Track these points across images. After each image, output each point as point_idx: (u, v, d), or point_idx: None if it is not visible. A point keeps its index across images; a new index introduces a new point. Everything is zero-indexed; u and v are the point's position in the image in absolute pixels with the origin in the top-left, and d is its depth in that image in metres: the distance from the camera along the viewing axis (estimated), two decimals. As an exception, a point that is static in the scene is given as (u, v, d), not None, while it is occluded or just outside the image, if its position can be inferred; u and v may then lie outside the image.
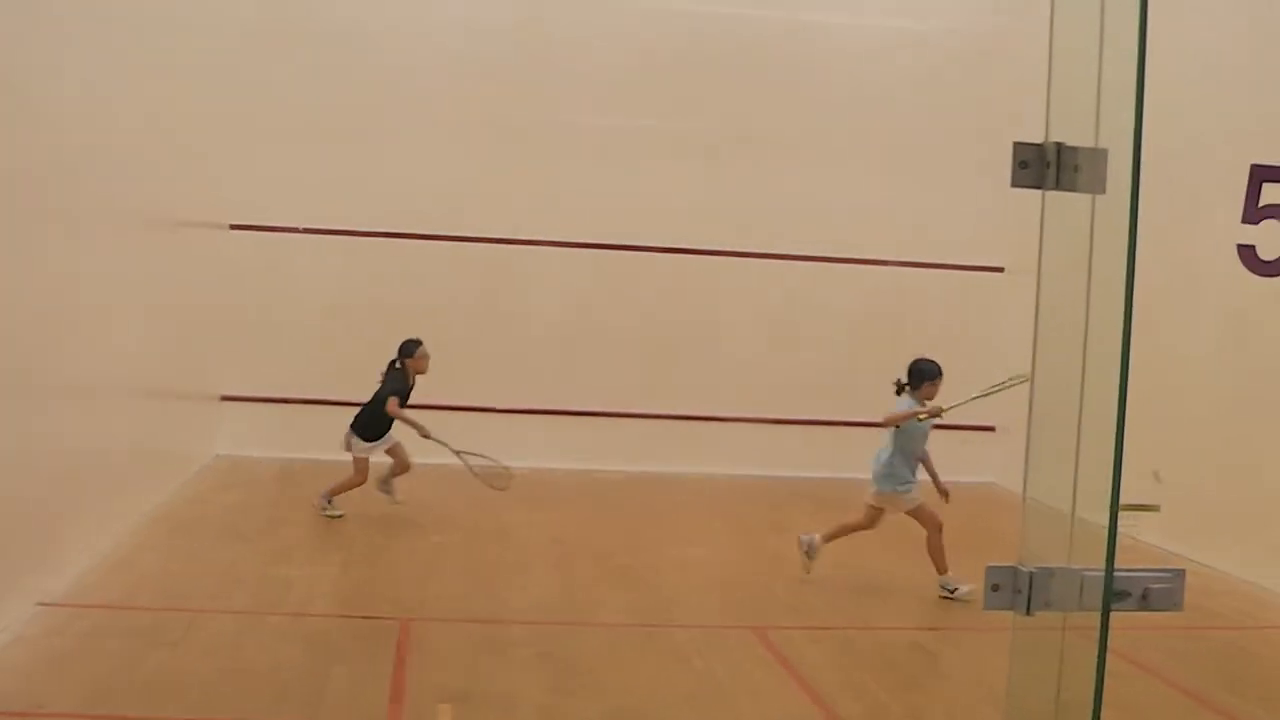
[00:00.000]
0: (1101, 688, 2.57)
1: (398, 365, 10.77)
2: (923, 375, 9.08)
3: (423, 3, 13.62)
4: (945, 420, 9.14)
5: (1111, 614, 2.62)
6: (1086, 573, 2.60)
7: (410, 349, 10.79)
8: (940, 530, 8.93)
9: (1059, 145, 2.62)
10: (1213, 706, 7.00)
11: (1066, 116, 2.64)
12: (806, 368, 13.83)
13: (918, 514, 9.00)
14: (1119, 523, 2.58)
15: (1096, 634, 2.60)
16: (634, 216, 13.56)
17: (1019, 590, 2.63)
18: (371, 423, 10.70)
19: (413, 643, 7.35)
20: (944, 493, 9.08)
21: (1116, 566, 2.61)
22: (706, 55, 13.65)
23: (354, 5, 13.57)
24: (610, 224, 13.54)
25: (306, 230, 13.22)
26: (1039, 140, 2.65)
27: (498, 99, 13.33)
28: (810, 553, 9.14)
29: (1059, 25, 2.63)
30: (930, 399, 9.07)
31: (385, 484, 10.92)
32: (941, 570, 8.88)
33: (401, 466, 10.86)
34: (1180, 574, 2.65)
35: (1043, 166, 2.64)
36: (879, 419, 9.23)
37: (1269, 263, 6.69)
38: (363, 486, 10.75)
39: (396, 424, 10.67)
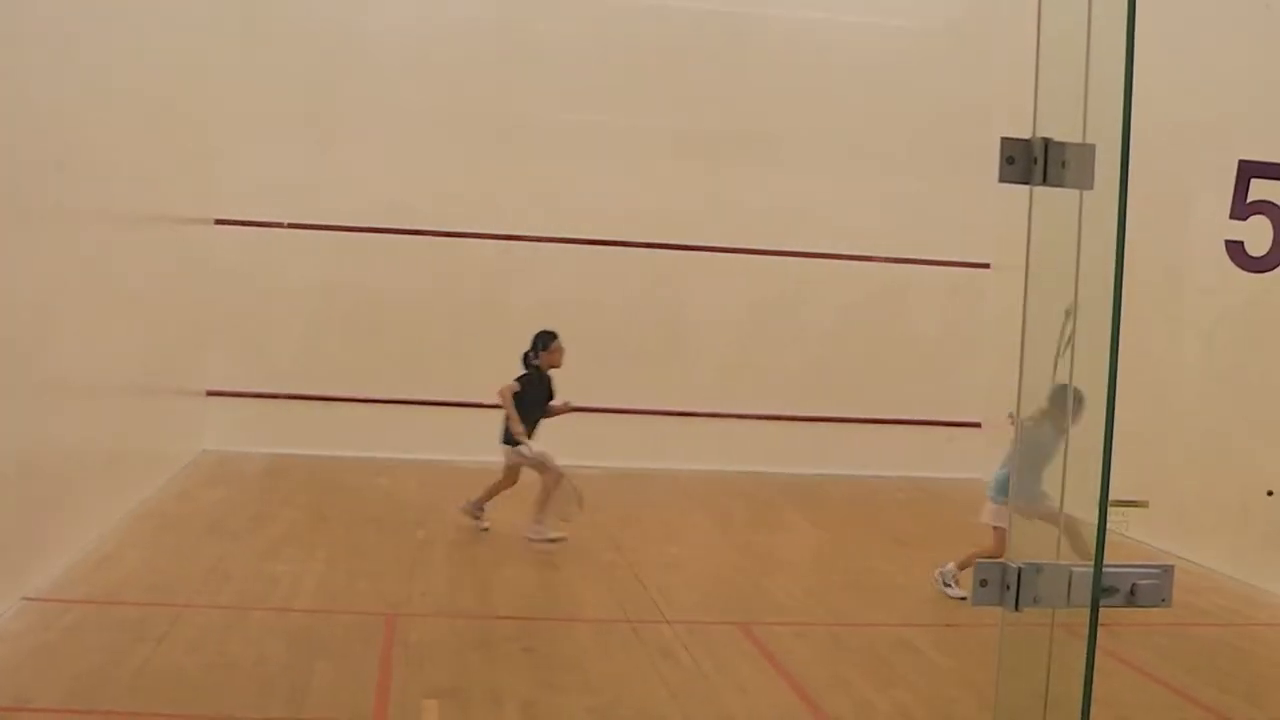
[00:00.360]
0: (1090, 684, 2.57)
1: (533, 360, 10.03)
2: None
3: (410, -3, 13.60)
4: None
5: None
6: (1075, 568, 2.60)
7: (545, 341, 10.01)
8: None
9: (1046, 140, 2.61)
10: (1199, 703, 7.01)
11: (1054, 111, 2.63)
12: (793, 364, 13.84)
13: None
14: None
15: (1085, 630, 2.60)
16: (620, 212, 13.54)
17: (1007, 586, 2.63)
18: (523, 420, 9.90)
19: (398, 638, 7.33)
20: None
21: (1104, 563, 2.61)
22: (693, 52, 13.64)
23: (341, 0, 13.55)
24: (596, 220, 13.51)
25: (292, 225, 13.17)
26: (1026, 135, 2.64)
27: (485, 95, 13.31)
28: (949, 581, 8.71)
29: (1047, 19, 2.62)
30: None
31: (478, 506, 10.15)
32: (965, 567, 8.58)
33: (551, 477, 9.90)
34: (1169, 570, 2.64)
35: (1030, 162, 2.63)
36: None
37: (1257, 258, 6.70)
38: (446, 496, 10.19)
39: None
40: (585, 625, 7.98)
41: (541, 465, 9.90)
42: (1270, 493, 8.21)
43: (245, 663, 6.67)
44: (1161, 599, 2.63)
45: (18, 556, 7.37)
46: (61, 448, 8.20)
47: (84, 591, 7.79)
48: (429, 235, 13.37)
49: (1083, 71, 2.56)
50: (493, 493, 10.09)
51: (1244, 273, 7.00)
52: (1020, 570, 2.62)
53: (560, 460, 9.89)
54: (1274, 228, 6.63)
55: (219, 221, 12.98)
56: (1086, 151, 2.59)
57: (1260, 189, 6.58)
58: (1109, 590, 2.60)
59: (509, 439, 9.88)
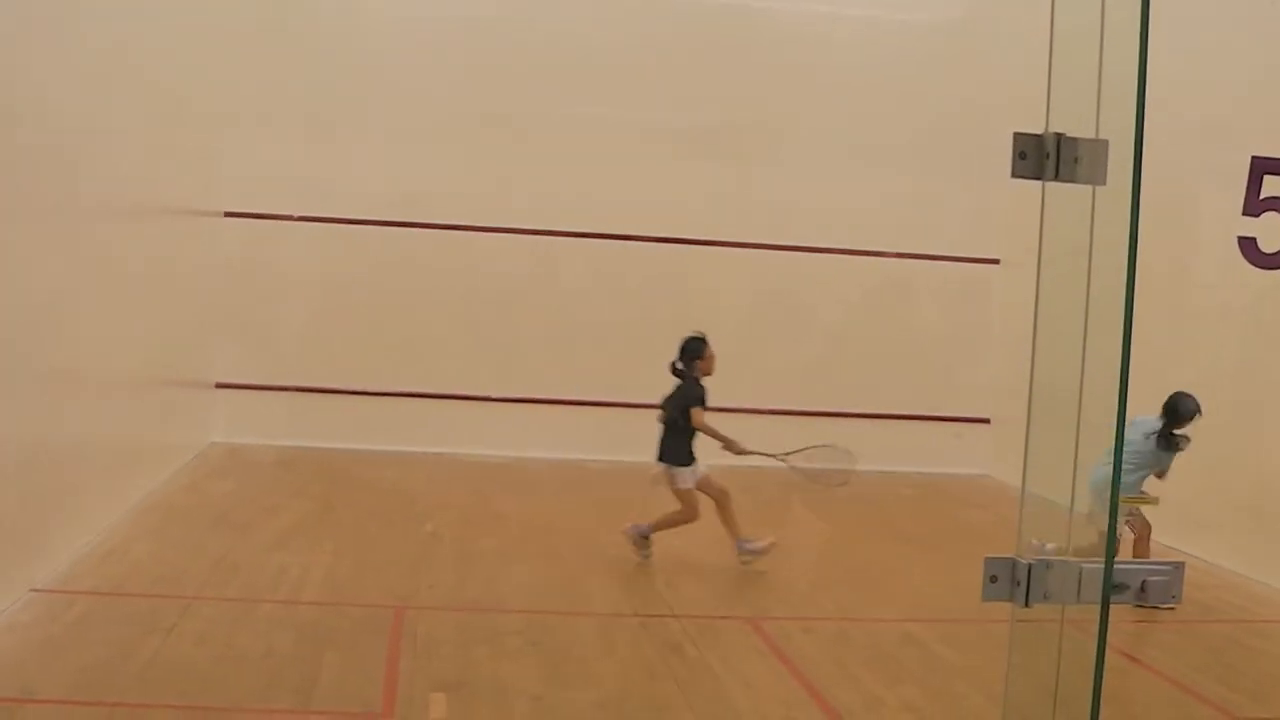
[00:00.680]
0: (1100, 680, 2.56)
1: (680, 368, 9.30)
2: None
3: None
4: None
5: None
6: (1085, 565, 2.59)
7: (698, 348, 9.26)
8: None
9: (1059, 136, 2.60)
10: (1206, 700, 6.99)
11: (1067, 106, 2.61)
12: (800, 359, 13.81)
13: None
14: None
15: (1095, 626, 2.59)
16: (625, 207, 13.50)
17: (1017, 582, 2.62)
18: (678, 446, 9.21)
19: (405, 631, 7.33)
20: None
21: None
22: (700, 47, 13.59)
23: (350, -8, 13.55)
24: (601, 214, 13.48)
25: (301, 218, 13.18)
26: (1039, 131, 2.63)
27: (494, 88, 13.28)
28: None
29: (1060, 13, 2.61)
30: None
31: (644, 538, 9.33)
32: None
33: (719, 495, 9.27)
34: (1179, 567, 2.64)
35: (1042, 157, 2.61)
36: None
37: (1269, 255, 6.68)
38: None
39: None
40: (592, 619, 7.97)
41: (707, 485, 9.28)
42: None
43: (253, 655, 6.68)
44: (1172, 595, 2.63)
45: (25, 548, 7.38)
46: (70, 440, 8.21)
47: (91, 583, 7.80)
48: (438, 228, 13.35)
49: (1096, 66, 2.55)
50: (669, 524, 9.29)
51: (1255, 269, 6.99)
52: (1031, 567, 2.62)
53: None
54: (1287, 224, 6.62)
55: (228, 214, 12.98)
56: (1100, 147, 2.57)
57: (1273, 185, 6.56)
58: (1119, 587, 2.59)
59: (675, 458, 9.16)
